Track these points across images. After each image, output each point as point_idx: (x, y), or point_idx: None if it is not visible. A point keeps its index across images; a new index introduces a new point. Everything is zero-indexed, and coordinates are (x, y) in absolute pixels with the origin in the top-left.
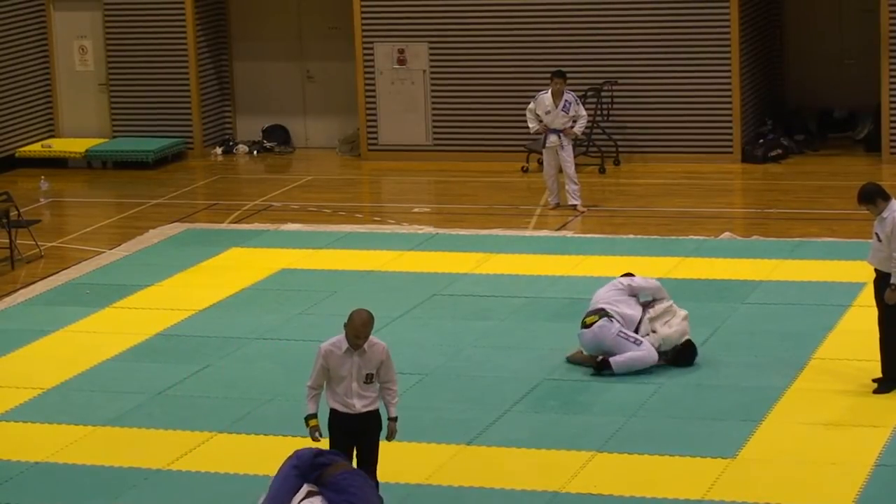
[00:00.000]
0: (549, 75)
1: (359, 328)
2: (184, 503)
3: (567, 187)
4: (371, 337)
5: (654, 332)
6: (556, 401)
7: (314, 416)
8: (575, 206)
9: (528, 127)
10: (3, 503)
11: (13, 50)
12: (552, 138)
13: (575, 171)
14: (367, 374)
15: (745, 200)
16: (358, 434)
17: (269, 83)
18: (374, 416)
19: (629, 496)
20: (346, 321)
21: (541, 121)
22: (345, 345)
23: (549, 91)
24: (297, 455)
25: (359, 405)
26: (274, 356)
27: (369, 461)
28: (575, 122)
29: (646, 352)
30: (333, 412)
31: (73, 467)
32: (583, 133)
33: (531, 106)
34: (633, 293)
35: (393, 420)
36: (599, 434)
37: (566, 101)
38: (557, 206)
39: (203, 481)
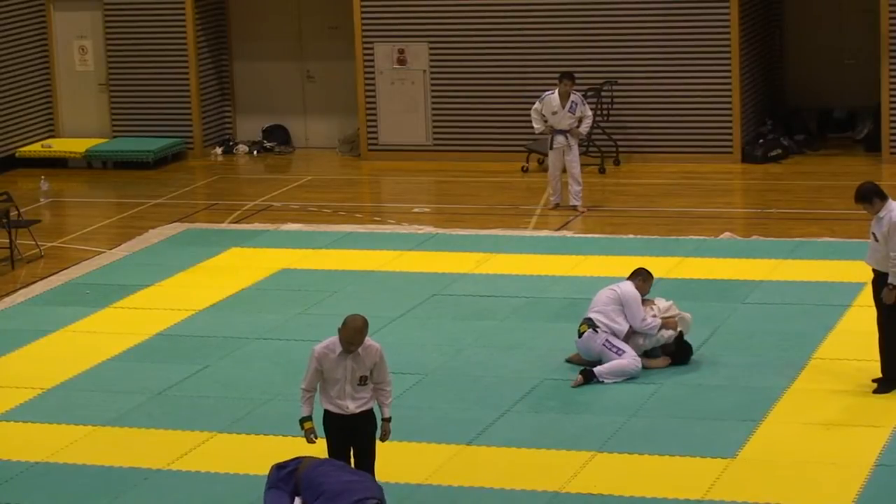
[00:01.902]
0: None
1: (352, 335)
2: (184, 503)
3: (570, 188)
4: (366, 338)
5: (654, 316)
6: (556, 401)
7: (309, 418)
8: (575, 206)
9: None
10: (3, 503)
11: (13, 50)
12: (559, 139)
13: (580, 172)
14: (361, 377)
15: (745, 200)
16: (353, 434)
17: (269, 83)
18: (368, 415)
19: (629, 496)
20: (340, 326)
21: (546, 121)
22: (338, 348)
23: (556, 92)
24: (267, 481)
25: (352, 406)
26: (274, 356)
27: (366, 461)
28: (580, 122)
29: (628, 360)
30: (327, 413)
31: (73, 467)
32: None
33: (537, 106)
34: (620, 304)
35: (387, 420)
36: (599, 434)
37: (573, 101)
38: (557, 206)
39: (203, 481)
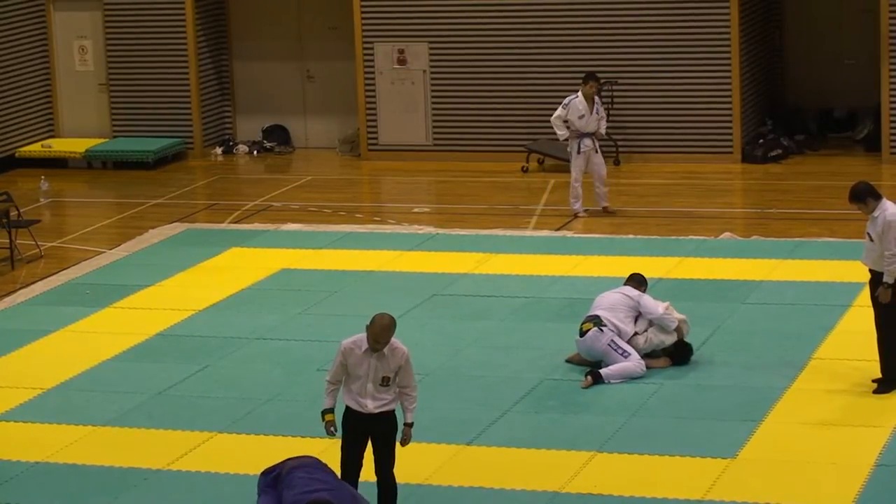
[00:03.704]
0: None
1: (378, 333)
2: (184, 503)
3: (597, 189)
4: (394, 341)
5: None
6: (556, 401)
7: (331, 410)
8: (605, 207)
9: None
10: (3, 503)
11: (13, 50)
12: (587, 142)
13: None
14: (384, 377)
15: (745, 200)
16: (370, 433)
17: (269, 83)
18: (388, 417)
19: (629, 496)
20: (368, 323)
21: (568, 127)
22: (365, 345)
23: (580, 95)
24: (257, 488)
25: (371, 405)
26: (274, 356)
27: (385, 462)
28: (599, 123)
29: (634, 363)
30: (347, 409)
31: (73, 467)
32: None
33: (559, 113)
34: (637, 312)
35: (408, 426)
36: (599, 434)
37: (596, 104)
38: (586, 212)
39: (203, 481)
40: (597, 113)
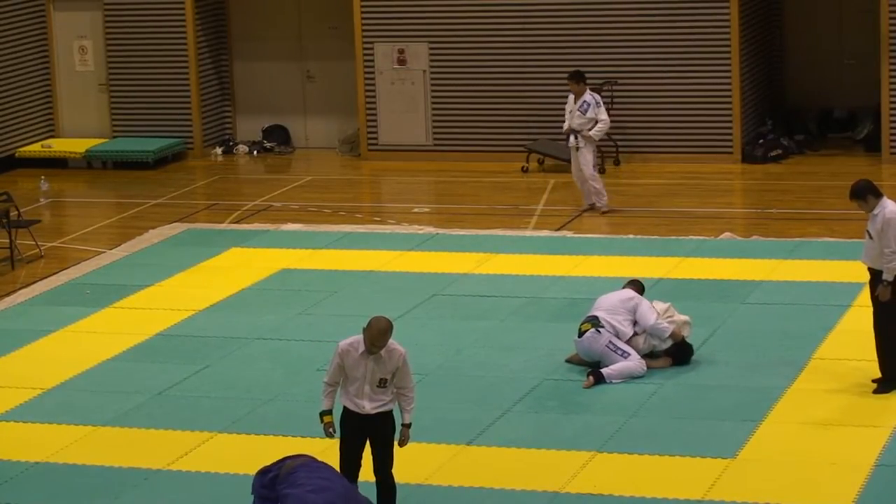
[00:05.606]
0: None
1: (375, 336)
2: (184, 503)
3: (583, 186)
4: (392, 342)
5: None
6: (556, 401)
7: (328, 412)
8: (592, 205)
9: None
10: (3, 503)
11: (13, 50)
12: (571, 139)
13: (592, 173)
14: (381, 379)
15: (745, 200)
16: (368, 434)
17: (269, 83)
18: (385, 417)
19: (629, 496)
20: (365, 325)
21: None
22: (362, 346)
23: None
24: (252, 488)
25: (368, 407)
26: (274, 356)
27: (384, 463)
28: (596, 123)
29: (634, 363)
30: (345, 409)
31: (73, 467)
32: (600, 138)
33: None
34: (635, 317)
35: (406, 426)
36: (599, 434)
37: (584, 101)
38: (592, 206)
39: (203, 481)
40: (581, 111)
